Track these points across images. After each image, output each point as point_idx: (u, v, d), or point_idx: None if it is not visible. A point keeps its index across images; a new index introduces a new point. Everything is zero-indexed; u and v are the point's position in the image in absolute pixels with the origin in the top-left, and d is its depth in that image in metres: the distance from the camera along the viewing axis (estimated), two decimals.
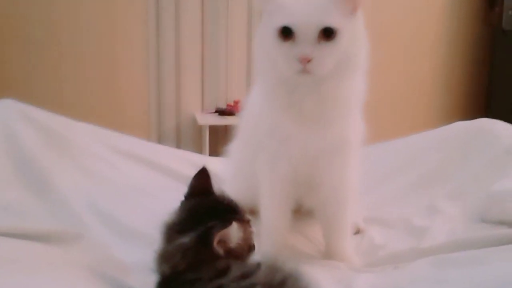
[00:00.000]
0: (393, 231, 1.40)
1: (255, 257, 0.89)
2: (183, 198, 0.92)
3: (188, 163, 1.78)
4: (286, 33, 1.00)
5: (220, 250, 0.81)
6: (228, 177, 1.50)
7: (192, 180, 0.93)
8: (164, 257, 0.82)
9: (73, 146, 1.55)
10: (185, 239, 0.81)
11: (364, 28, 1.08)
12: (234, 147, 1.46)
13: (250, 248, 0.90)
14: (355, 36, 1.04)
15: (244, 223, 0.89)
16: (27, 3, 3.09)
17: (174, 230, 0.85)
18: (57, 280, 0.84)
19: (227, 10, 3.34)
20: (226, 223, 0.82)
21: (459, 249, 1.14)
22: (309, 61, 0.98)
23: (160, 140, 3.35)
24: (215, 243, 0.80)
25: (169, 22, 3.28)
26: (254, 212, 1.40)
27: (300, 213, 1.38)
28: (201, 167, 0.93)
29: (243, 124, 1.37)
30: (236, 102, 3.30)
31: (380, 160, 1.75)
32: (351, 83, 1.09)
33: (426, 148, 1.76)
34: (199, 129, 3.33)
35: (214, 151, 3.08)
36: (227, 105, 3.36)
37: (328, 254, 1.27)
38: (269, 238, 1.29)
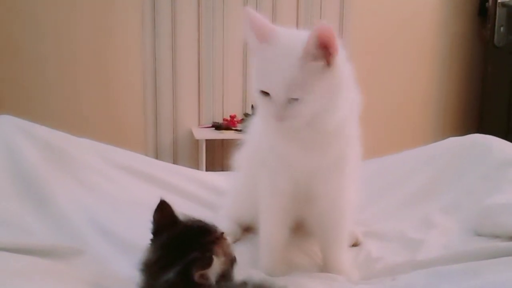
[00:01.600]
0: (389, 244, 1.42)
1: (243, 273, 0.91)
2: (151, 236, 0.93)
3: (186, 178, 1.79)
4: (265, 92, 1.06)
5: (203, 281, 0.82)
6: (231, 191, 1.54)
7: (155, 215, 0.93)
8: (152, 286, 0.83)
9: (72, 160, 1.55)
10: (170, 275, 0.82)
11: (346, 73, 1.09)
12: (239, 162, 1.49)
13: (232, 261, 0.92)
14: (332, 88, 1.05)
15: (221, 240, 0.91)
16: (21, 18, 3.11)
17: (156, 267, 0.86)
18: None
19: (223, 25, 3.38)
20: (205, 253, 0.84)
21: (454, 262, 1.15)
22: (283, 120, 1.05)
23: (157, 154, 3.36)
24: (196, 278, 0.81)
25: (165, 37, 3.31)
26: (253, 228, 1.42)
27: (299, 230, 1.40)
28: (159, 200, 0.94)
29: (248, 141, 1.40)
30: (232, 117, 3.32)
31: (375, 176, 1.77)
32: (331, 120, 1.10)
33: (420, 163, 1.79)
34: (195, 143, 3.35)
35: (211, 165, 3.09)
36: (224, 120, 3.38)
37: (326, 267, 1.28)
38: (267, 252, 1.30)
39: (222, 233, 0.93)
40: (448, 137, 1.84)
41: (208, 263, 0.82)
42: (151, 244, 0.92)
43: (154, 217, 0.93)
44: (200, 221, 0.93)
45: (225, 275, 0.88)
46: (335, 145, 1.15)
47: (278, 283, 0.87)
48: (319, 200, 1.23)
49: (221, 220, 1.50)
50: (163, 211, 0.93)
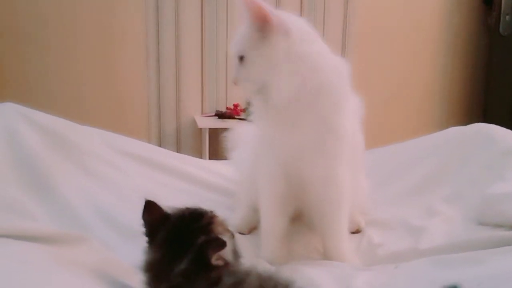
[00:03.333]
0: (391, 231, 1.42)
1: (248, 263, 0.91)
2: (146, 240, 0.93)
3: (190, 165, 1.80)
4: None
5: (219, 262, 0.83)
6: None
7: (144, 217, 0.93)
8: (164, 280, 0.83)
9: (75, 147, 1.55)
10: (182, 265, 0.82)
11: (292, 56, 1.14)
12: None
13: (233, 235, 0.93)
14: (268, 60, 1.14)
15: (215, 219, 0.91)
16: (24, 5, 3.10)
17: (164, 263, 0.85)
18: (69, 280, 0.85)
19: (227, 14, 3.36)
20: (209, 235, 0.85)
21: (456, 251, 1.16)
22: (236, 82, 1.19)
23: (160, 142, 3.36)
24: (213, 261, 0.82)
25: (169, 26, 3.30)
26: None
27: (301, 220, 1.40)
28: (145, 201, 0.93)
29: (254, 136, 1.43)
30: (235, 106, 3.31)
31: (378, 165, 1.77)
32: (275, 94, 1.15)
33: (423, 152, 1.79)
34: (199, 132, 3.35)
35: (214, 154, 3.09)
36: (227, 109, 3.37)
37: (327, 255, 1.29)
38: (268, 240, 1.32)
39: (212, 211, 0.93)
40: (452, 126, 1.83)
41: (222, 244, 0.82)
42: (149, 245, 0.92)
43: (144, 219, 0.92)
44: (188, 208, 0.93)
45: (235, 251, 0.90)
46: (309, 127, 1.17)
47: (283, 273, 0.87)
48: (312, 186, 1.24)
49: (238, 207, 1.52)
50: (152, 211, 0.92)
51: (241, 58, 1.16)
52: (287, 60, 1.13)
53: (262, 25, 1.12)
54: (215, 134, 3.29)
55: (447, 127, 1.85)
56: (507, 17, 3.48)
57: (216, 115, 3.34)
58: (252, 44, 1.14)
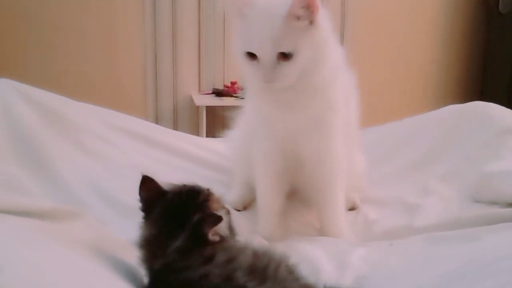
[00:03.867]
0: (387, 209, 1.43)
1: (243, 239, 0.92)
2: (142, 215, 0.92)
3: (186, 143, 1.79)
4: (251, 55, 1.09)
5: (215, 238, 0.83)
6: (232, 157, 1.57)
7: (140, 192, 0.92)
8: (159, 256, 0.83)
9: (71, 124, 1.54)
10: (179, 242, 0.82)
11: (329, 31, 1.13)
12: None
13: (229, 212, 0.93)
14: (317, 44, 1.09)
15: (211, 196, 0.91)
16: None
17: (160, 239, 0.85)
18: (65, 256, 0.86)
19: None
20: (205, 212, 0.85)
21: (451, 228, 1.16)
22: (273, 81, 1.08)
23: (157, 120, 3.35)
24: (210, 237, 0.82)
25: (166, 2, 3.27)
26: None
27: (297, 197, 1.41)
28: (142, 177, 0.91)
29: (247, 110, 1.41)
30: (233, 83, 3.29)
31: (375, 143, 1.77)
32: (318, 76, 1.14)
33: (420, 130, 1.78)
34: (196, 109, 3.34)
35: (211, 132, 3.09)
36: (224, 86, 3.36)
37: (322, 231, 1.30)
38: (264, 217, 1.32)
39: (208, 189, 0.93)
40: (450, 104, 1.83)
41: (218, 219, 0.82)
42: (145, 221, 0.91)
43: (140, 194, 0.92)
44: (185, 185, 0.93)
45: (231, 227, 0.90)
46: (312, 106, 1.18)
47: (278, 249, 0.88)
48: (308, 163, 1.25)
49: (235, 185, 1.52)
50: (148, 187, 0.92)
51: (287, 55, 1.06)
52: (329, 41, 1.12)
53: (309, 11, 1.05)
54: (212, 112, 3.29)
55: (444, 105, 1.84)
56: None
57: (213, 92, 3.33)
58: (302, 35, 1.06)
